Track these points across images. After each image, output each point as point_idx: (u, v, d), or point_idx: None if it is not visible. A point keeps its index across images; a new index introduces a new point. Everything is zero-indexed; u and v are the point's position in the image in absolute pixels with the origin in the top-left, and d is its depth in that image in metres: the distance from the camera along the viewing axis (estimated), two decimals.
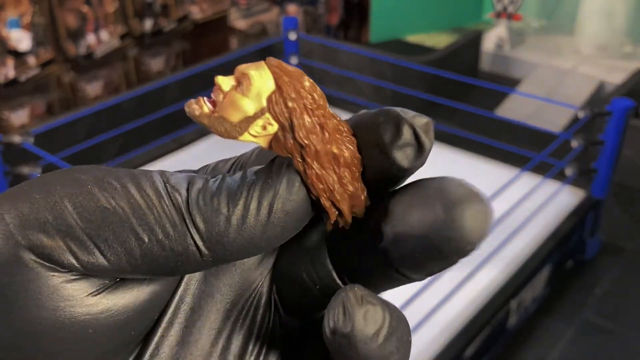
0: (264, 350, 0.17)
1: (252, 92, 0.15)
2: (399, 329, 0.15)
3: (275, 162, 0.16)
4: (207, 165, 0.19)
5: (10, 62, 1.81)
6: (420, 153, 0.15)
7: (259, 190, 0.15)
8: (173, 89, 1.67)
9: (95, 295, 0.15)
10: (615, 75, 2.17)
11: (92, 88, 1.94)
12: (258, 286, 0.18)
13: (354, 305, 0.15)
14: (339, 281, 0.17)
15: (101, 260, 0.15)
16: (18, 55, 1.81)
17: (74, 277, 0.15)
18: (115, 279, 0.15)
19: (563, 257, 1.37)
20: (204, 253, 0.15)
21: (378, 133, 0.15)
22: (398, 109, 0.16)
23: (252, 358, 0.17)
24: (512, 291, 1.17)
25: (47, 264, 0.14)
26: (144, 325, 0.16)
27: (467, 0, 2.84)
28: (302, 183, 0.15)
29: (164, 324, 0.16)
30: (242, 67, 0.15)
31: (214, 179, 0.15)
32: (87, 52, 1.89)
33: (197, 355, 0.17)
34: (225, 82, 0.16)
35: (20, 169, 1.20)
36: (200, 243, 0.15)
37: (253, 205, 0.15)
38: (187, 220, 0.15)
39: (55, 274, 0.15)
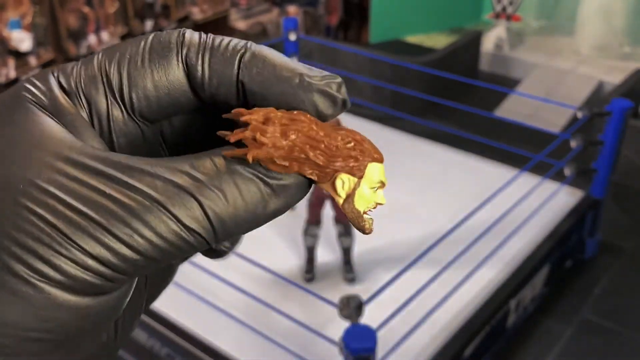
0: None
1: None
2: None
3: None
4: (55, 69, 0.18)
5: (11, 63, 1.81)
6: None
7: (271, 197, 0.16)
8: None
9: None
10: (614, 76, 2.18)
11: None
12: None
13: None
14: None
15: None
16: (19, 56, 1.81)
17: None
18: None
19: (562, 256, 1.37)
20: (212, 244, 0.16)
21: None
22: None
23: None
24: (511, 291, 1.18)
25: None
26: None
27: (467, 1, 2.84)
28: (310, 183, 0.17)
29: None
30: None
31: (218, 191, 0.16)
32: (88, 53, 1.90)
33: None
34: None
35: None
36: (210, 242, 0.16)
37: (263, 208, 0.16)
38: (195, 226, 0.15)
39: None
